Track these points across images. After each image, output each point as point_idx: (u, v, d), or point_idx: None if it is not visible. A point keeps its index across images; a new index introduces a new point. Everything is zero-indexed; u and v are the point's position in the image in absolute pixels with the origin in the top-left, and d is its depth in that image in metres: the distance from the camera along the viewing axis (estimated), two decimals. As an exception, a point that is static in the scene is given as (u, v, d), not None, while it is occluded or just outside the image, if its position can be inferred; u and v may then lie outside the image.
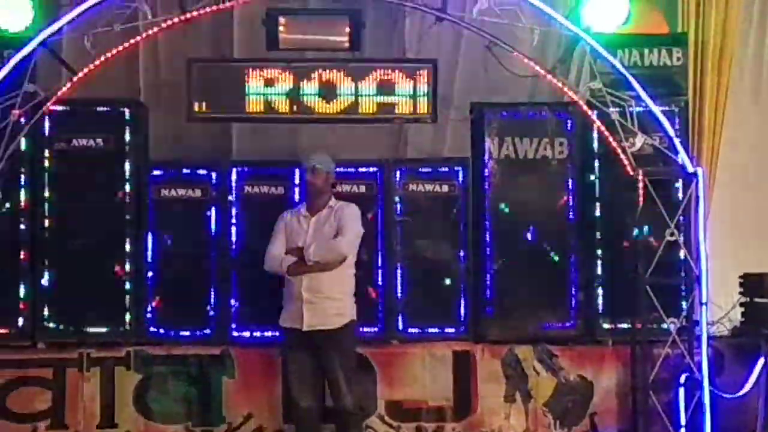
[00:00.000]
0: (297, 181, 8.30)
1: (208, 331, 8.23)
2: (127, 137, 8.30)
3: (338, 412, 7.42)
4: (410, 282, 8.29)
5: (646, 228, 7.77)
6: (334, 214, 7.47)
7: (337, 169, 8.02)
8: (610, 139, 7.72)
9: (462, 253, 8.36)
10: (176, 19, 7.64)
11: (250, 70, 8.20)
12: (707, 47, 9.05)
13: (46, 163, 8.22)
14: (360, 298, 7.86)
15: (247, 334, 8.19)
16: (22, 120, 7.50)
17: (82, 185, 8.21)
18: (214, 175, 8.35)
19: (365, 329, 8.03)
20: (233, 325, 8.21)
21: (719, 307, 8.33)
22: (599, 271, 8.36)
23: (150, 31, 7.68)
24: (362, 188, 8.21)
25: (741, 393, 7.79)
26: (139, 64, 9.17)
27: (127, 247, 8.22)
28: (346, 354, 7.42)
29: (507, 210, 8.38)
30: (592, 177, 8.42)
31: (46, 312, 8.10)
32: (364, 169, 8.29)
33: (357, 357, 7.63)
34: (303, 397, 7.43)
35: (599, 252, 8.37)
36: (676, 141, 7.79)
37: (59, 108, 7.88)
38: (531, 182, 8.40)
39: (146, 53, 9.04)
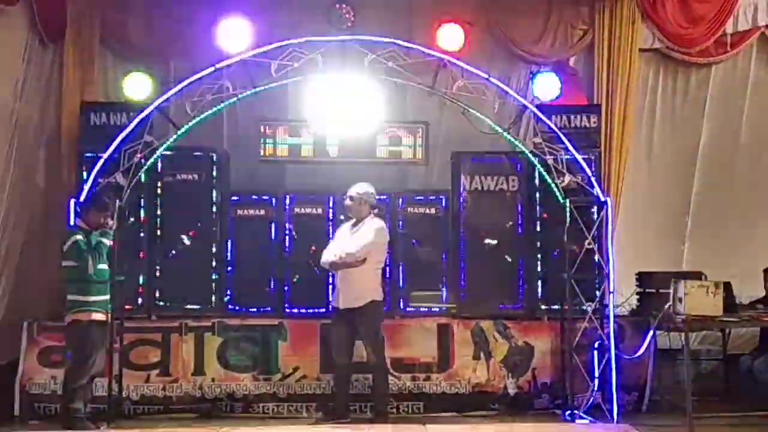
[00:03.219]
0: (331, 205, 8.26)
1: (268, 308, 8.18)
2: (214, 173, 8.28)
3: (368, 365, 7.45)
4: (409, 275, 8.25)
5: (571, 239, 7.66)
6: (364, 226, 7.44)
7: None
8: (547, 177, 7.68)
9: (444, 256, 8.33)
10: (248, 91, 7.61)
11: (300, 126, 8.21)
12: (614, 115, 8.96)
13: (158, 191, 8.21)
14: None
15: (296, 310, 8.15)
16: (143, 161, 7.52)
17: (183, 206, 8.20)
18: (274, 200, 8.31)
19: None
20: (286, 304, 8.18)
21: (621, 294, 8.18)
22: (539, 268, 8.30)
23: (231, 100, 7.60)
24: (375, 211, 7.89)
25: (637, 355, 7.67)
26: (223, 122, 9.04)
27: (213, 249, 8.19)
28: (369, 325, 7.34)
29: (475, 226, 8.33)
30: (535, 203, 8.37)
31: (157, 294, 8.11)
32: (377, 197, 8.06)
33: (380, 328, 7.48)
34: (339, 357, 7.42)
35: (539, 255, 8.31)
36: (593, 179, 7.76)
37: (167, 152, 7.87)
38: (492, 207, 8.37)
39: (228, 114, 8.83)
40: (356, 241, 7.37)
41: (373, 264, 7.41)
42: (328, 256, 7.49)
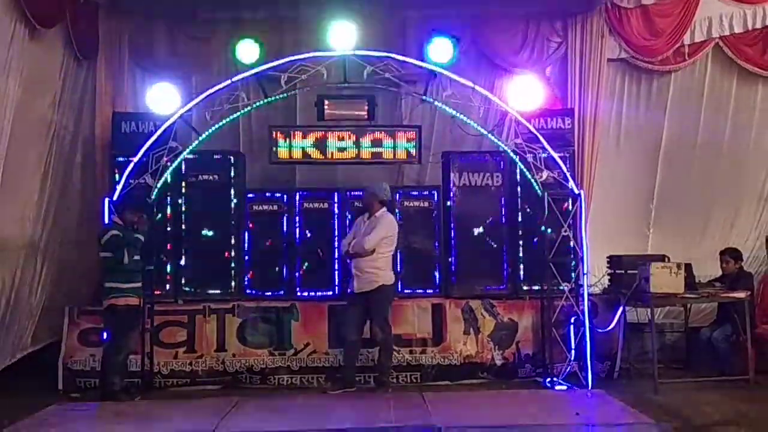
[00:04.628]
0: (336, 201, 8.31)
1: (282, 291, 8.24)
2: (232, 173, 8.35)
3: (375, 341, 7.51)
4: (406, 261, 8.27)
5: (549, 227, 7.68)
6: (375, 221, 7.48)
7: (358, 193, 8.05)
8: (527, 173, 7.73)
9: (436, 243, 8.38)
10: (261, 101, 7.69)
11: (307, 131, 8.16)
12: (586, 117, 8.99)
13: (183, 190, 8.30)
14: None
15: (306, 293, 8.21)
16: (168, 164, 7.61)
17: (205, 203, 8.28)
18: (285, 196, 8.37)
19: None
20: (297, 288, 8.25)
21: (594, 275, 8.30)
22: (521, 253, 8.38)
23: (246, 109, 7.68)
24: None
25: (608, 328, 7.82)
26: (239, 128, 9.08)
27: (232, 240, 8.26)
28: (378, 306, 7.42)
29: (464, 217, 8.39)
30: (517, 196, 8.43)
31: (183, 281, 8.20)
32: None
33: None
34: (350, 334, 7.50)
35: (521, 242, 8.38)
36: (567, 174, 7.82)
37: (190, 156, 7.89)
38: (479, 200, 8.42)
39: (243, 121, 8.90)
40: (366, 235, 7.43)
41: (383, 253, 7.47)
42: (344, 246, 7.60)
